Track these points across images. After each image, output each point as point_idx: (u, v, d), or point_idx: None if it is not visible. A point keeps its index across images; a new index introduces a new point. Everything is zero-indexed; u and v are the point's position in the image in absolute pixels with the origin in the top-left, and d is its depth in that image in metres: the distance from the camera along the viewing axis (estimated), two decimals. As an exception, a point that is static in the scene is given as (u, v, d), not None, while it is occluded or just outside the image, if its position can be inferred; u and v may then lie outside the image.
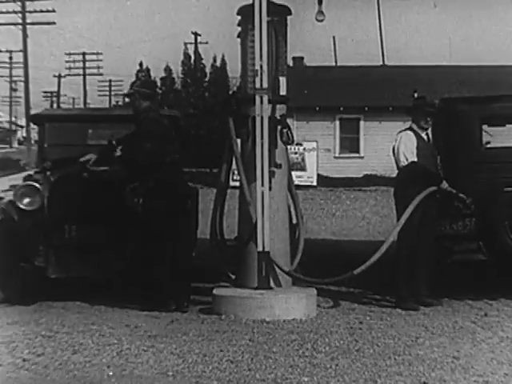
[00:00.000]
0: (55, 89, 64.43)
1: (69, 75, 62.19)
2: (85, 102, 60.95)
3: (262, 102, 8.02)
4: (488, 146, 9.24)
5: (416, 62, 54.43)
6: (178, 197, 8.04)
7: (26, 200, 8.19)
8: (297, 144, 30.50)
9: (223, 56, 51.81)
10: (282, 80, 8.36)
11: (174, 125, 9.25)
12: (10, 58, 60.45)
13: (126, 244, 8.03)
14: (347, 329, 7.24)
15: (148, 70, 57.11)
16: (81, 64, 61.09)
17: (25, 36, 46.54)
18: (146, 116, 8.15)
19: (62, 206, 8.29)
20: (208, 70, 49.89)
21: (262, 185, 8.03)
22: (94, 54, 61.03)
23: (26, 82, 46.52)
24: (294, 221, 8.85)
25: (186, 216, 8.15)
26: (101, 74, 62.03)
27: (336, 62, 43.84)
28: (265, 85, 8.02)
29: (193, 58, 50.82)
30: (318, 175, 32.55)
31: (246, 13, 8.24)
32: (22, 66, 48.07)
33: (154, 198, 7.85)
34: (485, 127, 9.16)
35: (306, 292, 8.03)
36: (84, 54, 60.85)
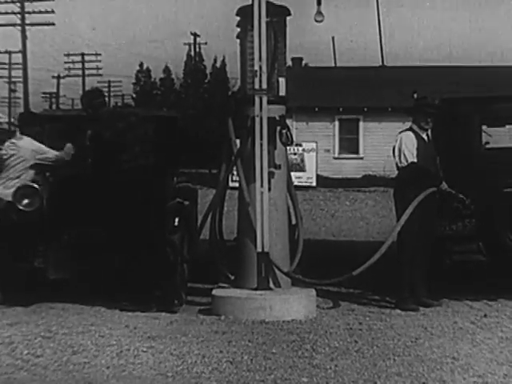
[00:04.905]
0: (54, 90, 64.38)
1: (68, 76, 62.14)
2: (84, 103, 60.71)
3: (261, 102, 8.02)
4: (487, 146, 9.24)
5: (415, 62, 54.46)
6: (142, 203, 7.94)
7: (25, 201, 8.18)
8: (296, 145, 30.53)
9: (223, 57, 51.95)
10: (281, 81, 8.36)
11: (172, 126, 9.24)
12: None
13: (124, 245, 8.02)
14: (347, 329, 7.24)
15: (148, 70, 57.17)
16: (80, 65, 61.05)
17: (24, 37, 46.55)
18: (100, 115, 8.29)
19: (61, 207, 8.29)
20: (208, 70, 50.03)
21: (262, 185, 8.03)
22: (92, 54, 60.97)
23: (25, 82, 46.51)
24: (294, 221, 8.85)
25: (160, 221, 8.02)
26: (100, 75, 61.95)
27: (335, 62, 43.91)
28: (264, 85, 8.01)
29: (193, 58, 50.95)
30: (318, 176, 32.53)
31: (245, 14, 8.24)
32: (20, 66, 48.04)
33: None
34: (484, 128, 9.16)
35: (305, 293, 8.02)
36: (83, 54, 60.77)
